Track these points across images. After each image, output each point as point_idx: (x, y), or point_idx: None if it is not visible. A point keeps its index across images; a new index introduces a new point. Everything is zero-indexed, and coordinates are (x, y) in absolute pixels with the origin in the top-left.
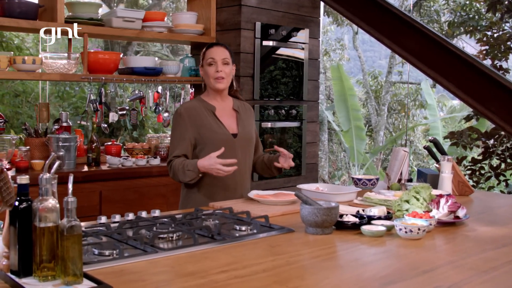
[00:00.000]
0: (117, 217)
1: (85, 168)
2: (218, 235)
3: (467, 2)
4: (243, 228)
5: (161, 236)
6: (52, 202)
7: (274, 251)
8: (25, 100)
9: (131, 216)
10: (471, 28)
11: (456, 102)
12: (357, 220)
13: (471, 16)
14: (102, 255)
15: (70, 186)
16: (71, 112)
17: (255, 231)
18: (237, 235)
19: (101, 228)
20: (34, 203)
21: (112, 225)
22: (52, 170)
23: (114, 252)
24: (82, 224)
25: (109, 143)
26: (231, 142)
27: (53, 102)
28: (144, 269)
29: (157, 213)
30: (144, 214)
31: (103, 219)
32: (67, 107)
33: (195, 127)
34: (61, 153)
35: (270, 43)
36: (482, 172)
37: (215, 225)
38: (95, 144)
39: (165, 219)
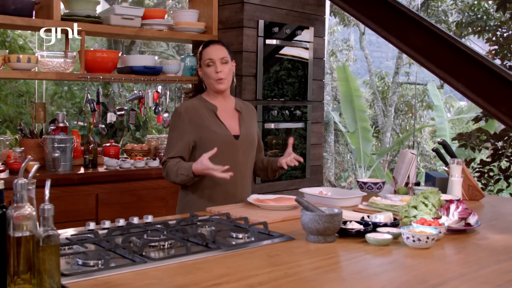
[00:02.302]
0: (107, 223)
1: (82, 170)
2: (213, 243)
3: (475, 2)
4: (240, 235)
5: (152, 244)
6: (28, 209)
7: (272, 261)
8: (29, 100)
9: (121, 222)
10: (479, 28)
11: (463, 103)
12: (361, 227)
13: (479, 16)
14: (86, 265)
15: (47, 192)
16: (74, 113)
17: (252, 239)
18: (233, 243)
19: (89, 235)
20: (8, 211)
21: (101, 231)
22: (30, 175)
23: (99, 262)
24: (69, 230)
25: (108, 144)
26: (232, 144)
27: (57, 102)
28: (130, 281)
29: (149, 218)
30: (136, 220)
31: (92, 225)
32: (71, 107)
33: (195, 127)
34: (57, 155)
35: (274, 41)
36: (491, 174)
37: (210, 232)
38: (92, 145)
39: (158, 226)
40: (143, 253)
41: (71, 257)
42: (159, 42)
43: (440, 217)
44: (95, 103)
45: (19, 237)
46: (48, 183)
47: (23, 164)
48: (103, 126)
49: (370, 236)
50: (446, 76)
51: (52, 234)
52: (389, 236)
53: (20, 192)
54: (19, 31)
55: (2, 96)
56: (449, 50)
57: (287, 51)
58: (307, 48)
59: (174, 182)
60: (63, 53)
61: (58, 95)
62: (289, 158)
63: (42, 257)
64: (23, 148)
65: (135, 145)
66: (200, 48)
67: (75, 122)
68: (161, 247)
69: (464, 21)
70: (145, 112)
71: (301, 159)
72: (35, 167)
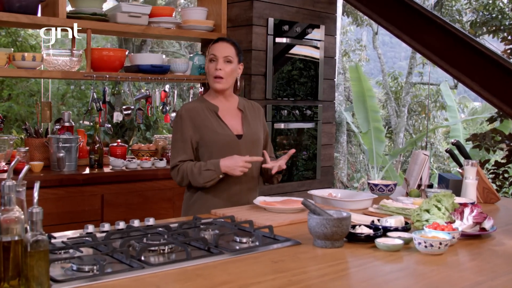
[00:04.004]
0: (106, 226)
1: (87, 170)
2: (215, 248)
3: (490, 1)
4: (244, 239)
5: (152, 248)
6: (16, 212)
7: (276, 267)
8: (40, 99)
9: (121, 225)
10: (494, 28)
11: (477, 103)
12: (371, 232)
13: (494, 15)
14: (81, 271)
15: (35, 194)
16: (85, 112)
17: (257, 243)
18: (237, 247)
19: (87, 238)
20: None
21: (100, 235)
22: (20, 176)
23: (95, 267)
24: (68, 233)
25: (114, 144)
26: (235, 144)
27: (68, 102)
28: None
29: (151, 221)
30: (136, 222)
31: (90, 228)
32: (81, 107)
33: (196, 128)
34: (61, 155)
35: (284, 40)
36: (506, 176)
37: (213, 236)
38: (97, 145)
39: (160, 229)
40: (142, 258)
41: (67, 262)
42: (171, 42)
43: (454, 222)
44: (101, 102)
45: (7, 241)
46: (37, 185)
47: (11, 164)
48: (109, 125)
49: (380, 241)
50: (460, 75)
51: (41, 239)
52: (400, 242)
53: (8, 195)
54: (31, 30)
55: (13, 96)
56: (463, 48)
57: (297, 49)
58: (317, 48)
59: (195, 184)
60: (69, 51)
61: (69, 95)
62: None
63: (30, 263)
64: (27, 148)
65: (142, 145)
66: (211, 43)
67: (81, 122)
68: (161, 251)
69: (478, 20)
70: (152, 111)
71: (283, 167)
72: (25, 168)
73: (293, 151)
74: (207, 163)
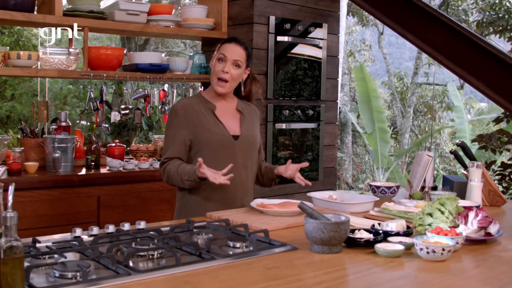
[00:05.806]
0: (95, 230)
1: (83, 171)
2: (207, 253)
3: (497, 1)
4: (238, 244)
5: (140, 253)
6: None
7: (270, 274)
8: (39, 99)
9: (111, 228)
10: (500, 27)
11: (484, 104)
12: (371, 236)
13: (500, 15)
14: (64, 277)
15: (10, 198)
16: (88, 113)
17: (251, 248)
18: (229, 253)
19: (74, 242)
20: None
21: (88, 239)
22: None
23: (78, 274)
24: (55, 236)
25: (112, 144)
26: (231, 144)
27: (71, 102)
28: None
29: (142, 225)
30: (127, 226)
31: (78, 232)
32: (84, 106)
33: (191, 126)
34: (57, 155)
35: (286, 38)
36: None
37: (205, 241)
38: (94, 145)
39: (151, 232)
40: (130, 264)
41: (50, 268)
42: (176, 42)
43: (458, 226)
44: (98, 102)
45: None
46: (11, 188)
47: None
48: (107, 125)
49: (380, 246)
50: (466, 75)
51: (15, 245)
52: (401, 247)
53: None
54: (34, 30)
55: (16, 96)
56: (469, 47)
57: (300, 49)
58: (320, 47)
59: (181, 186)
60: (66, 49)
61: (72, 95)
62: (297, 175)
63: (4, 271)
64: (22, 148)
65: (141, 145)
66: (222, 41)
67: (78, 122)
68: (150, 257)
69: (485, 20)
70: (150, 111)
71: (309, 183)
72: (2, 169)
73: (306, 164)
74: (185, 173)
